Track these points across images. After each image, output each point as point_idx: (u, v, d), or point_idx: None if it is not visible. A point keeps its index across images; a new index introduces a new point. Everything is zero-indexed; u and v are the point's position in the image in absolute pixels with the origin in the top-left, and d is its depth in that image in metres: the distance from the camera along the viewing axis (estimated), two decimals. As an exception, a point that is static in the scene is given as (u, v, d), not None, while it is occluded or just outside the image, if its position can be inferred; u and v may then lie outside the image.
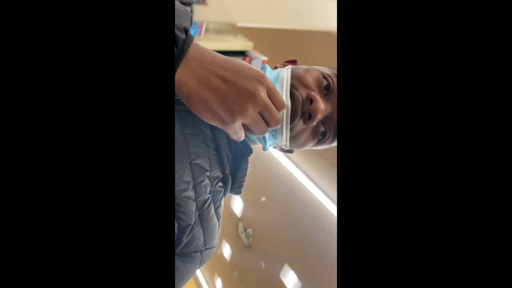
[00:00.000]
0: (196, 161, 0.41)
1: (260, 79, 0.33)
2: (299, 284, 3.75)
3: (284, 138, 0.42)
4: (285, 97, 0.40)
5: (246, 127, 0.35)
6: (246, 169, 0.47)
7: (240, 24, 1.62)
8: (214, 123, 0.34)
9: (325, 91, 0.43)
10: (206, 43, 1.71)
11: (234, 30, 2.01)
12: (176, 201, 0.39)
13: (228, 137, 0.44)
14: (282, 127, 0.40)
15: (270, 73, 0.43)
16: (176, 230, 0.40)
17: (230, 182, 0.46)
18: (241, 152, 0.46)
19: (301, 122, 0.41)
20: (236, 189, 0.48)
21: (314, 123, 0.41)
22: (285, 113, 0.39)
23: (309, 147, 0.46)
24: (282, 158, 3.38)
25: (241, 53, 1.88)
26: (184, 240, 0.41)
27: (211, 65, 0.32)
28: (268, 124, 0.35)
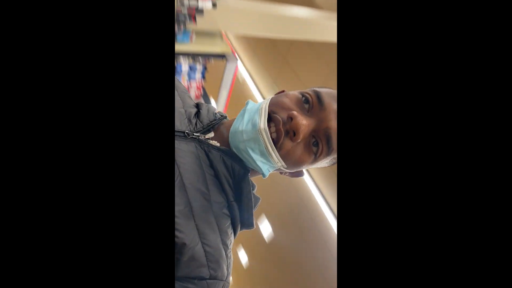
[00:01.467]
0: (190, 185, 0.41)
1: None
2: None
3: (276, 159, 0.43)
4: (263, 122, 0.43)
5: None
6: (250, 192, 0.45)
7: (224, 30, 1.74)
8: None
9: (305, 104, 0.45)
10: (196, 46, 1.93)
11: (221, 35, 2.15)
12: None
13: (224, 161, 0.45)
14: (267, 149, 0.42)
15: (251, 106, 0.47)
16: None
17: (237, 210, 0.45)
18: (240, 173, 0.45)
19: (287, 140, 0.43)
20: (247, 222, 0.46)
21: (300, 138, 0.42)
22: (265, 136, 0.42)
23: (309, 163, 0.46)
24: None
25: (222, 56, 2.06)
26: (182, 260, 0.38)
27: None
28: None
